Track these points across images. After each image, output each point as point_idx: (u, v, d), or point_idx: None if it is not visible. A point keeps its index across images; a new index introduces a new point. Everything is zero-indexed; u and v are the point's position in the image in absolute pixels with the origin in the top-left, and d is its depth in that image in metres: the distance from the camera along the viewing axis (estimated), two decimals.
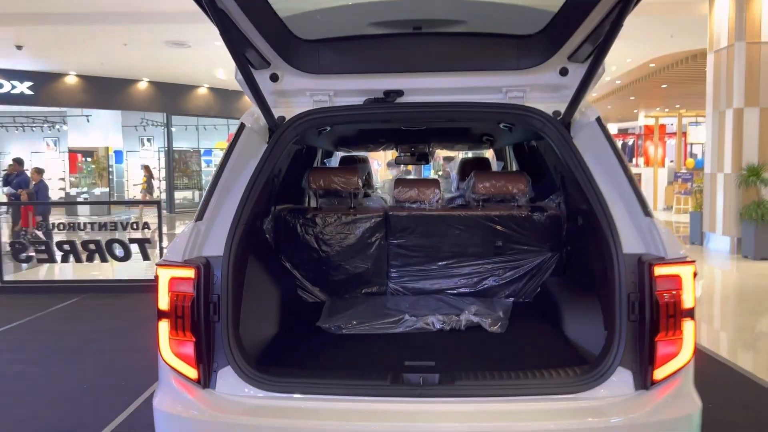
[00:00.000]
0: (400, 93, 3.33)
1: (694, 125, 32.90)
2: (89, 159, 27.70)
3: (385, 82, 3.33)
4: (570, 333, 3.62)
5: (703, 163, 16.41)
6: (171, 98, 25.62)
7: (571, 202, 4.23)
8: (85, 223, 11.35)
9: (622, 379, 2.64)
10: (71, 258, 9.87)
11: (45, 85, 22.81)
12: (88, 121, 26.56)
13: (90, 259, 9.84)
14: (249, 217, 3.10)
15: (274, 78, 3.35)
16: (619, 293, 2.76)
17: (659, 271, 2.64)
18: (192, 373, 2.75)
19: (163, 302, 2.75)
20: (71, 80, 23.18)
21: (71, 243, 9.94)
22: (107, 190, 26.82)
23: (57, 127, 28.52)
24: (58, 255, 9.97)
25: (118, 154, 28.58)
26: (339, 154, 7.07)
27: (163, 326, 2.76)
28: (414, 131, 5.79)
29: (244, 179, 3.13)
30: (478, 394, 2.68)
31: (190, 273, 2.71)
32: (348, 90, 3.38)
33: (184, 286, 2.72)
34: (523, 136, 5.13)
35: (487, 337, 3.65)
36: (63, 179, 27.79)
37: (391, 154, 11.16)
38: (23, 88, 22.39)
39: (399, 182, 4.43)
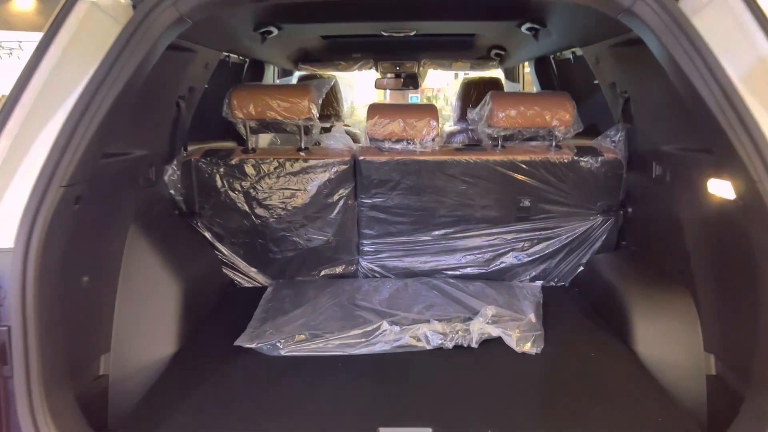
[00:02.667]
0: None
1: None
2: None
3: None
4: (641, 347, 2.27)
5: None
6: None
7: (639, 141, 2.75)
8: None
9: None
10: None
11: None
12: None
13: None
14: (88, 166, 1.66)
15: None
16: None
17: None
18: None
19: None
20: None
21: None
22: None
23: (17, 55, 26.13)
24: None
25: None
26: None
27: None
28: (398, 40, 4.20)
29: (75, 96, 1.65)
30: None
31: None
32: None
33: None
34: (554, 43, 3.55)
35: (516, 363, 2.25)
36: None
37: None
38: None
39: (375, 109, 2.89)
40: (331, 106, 4.37)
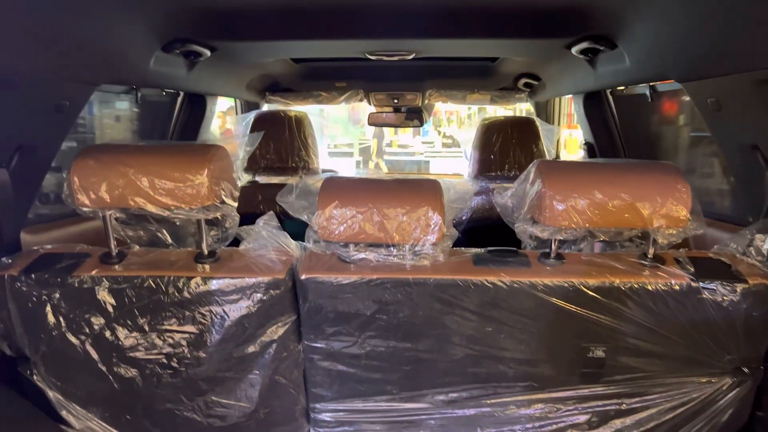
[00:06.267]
0: None
1: None
2: None
3: None
4: None
5: None
6: None
7: None
8: None
9: None
10: None
11: None
12: None
13: None
14: None
15: None
16: None
17: None
18: None
19: None
20: None
21: None
22: None
23: None
24: None
25: None
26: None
27: None
28: (397, 64, 3.01)
29: None
30: None
31: None
32: None
33: None
34: (625, 73, 2.30)
35: None
36: None
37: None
38: None
39: (330, 189, 1.65)
40: (297, 156, 3.15)
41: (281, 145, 3.16)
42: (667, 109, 2.54)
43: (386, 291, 1.60)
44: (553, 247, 1.64)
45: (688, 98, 2.39)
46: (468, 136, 3.58)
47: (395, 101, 4.02)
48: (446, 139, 15.43)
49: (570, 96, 3.50)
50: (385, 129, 12.60)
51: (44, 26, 1.51)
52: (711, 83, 1.74)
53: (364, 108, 4.45)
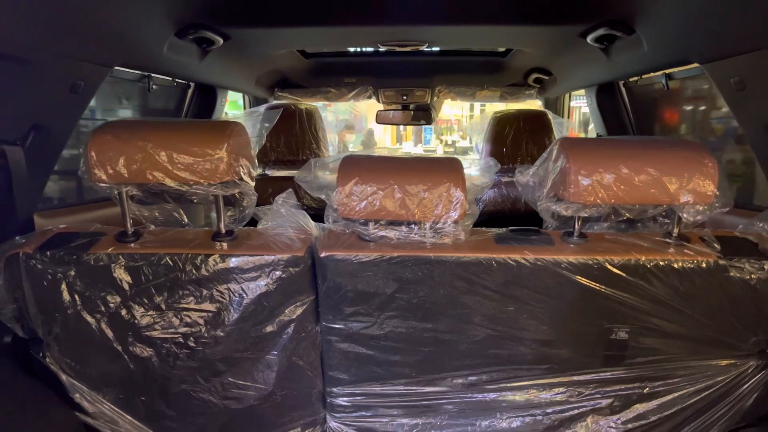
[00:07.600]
0: None
1: None
2: None
3: None
4: None
5: None
6: None
7: None
8: None
9: None
10: None
11: None
12: None
13: None
14: None
15: None
16: None
17: None
18: None
19: None
20: None
21: None
22: None
23: None
24: None
25: None
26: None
27: None
28: (405, 60, 3.00)
29: None
30: None
31: None
32: None
33: None
34: (643, 60, 2.28)
35: None
36: None
37: None
38: None
39: (349, 167, 1.63)
40: (308, 149, 3.14)
41: (292, 138, 3.15)
42: (684, 99, 2.52)
43: (407, 269, 1.57)
44: (577, 225, 1.62)
45: (705, 86, 2.37)
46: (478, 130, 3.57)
47: (404, 98, 4.01)
48: (448, 148, 15.46)
49: (575, 107, 3.50)
50: (377, 136, 12.59)
51: (60, 3, 1.50)
52: (734, 62, 1.72)
53: (367, 117, 4.44)
